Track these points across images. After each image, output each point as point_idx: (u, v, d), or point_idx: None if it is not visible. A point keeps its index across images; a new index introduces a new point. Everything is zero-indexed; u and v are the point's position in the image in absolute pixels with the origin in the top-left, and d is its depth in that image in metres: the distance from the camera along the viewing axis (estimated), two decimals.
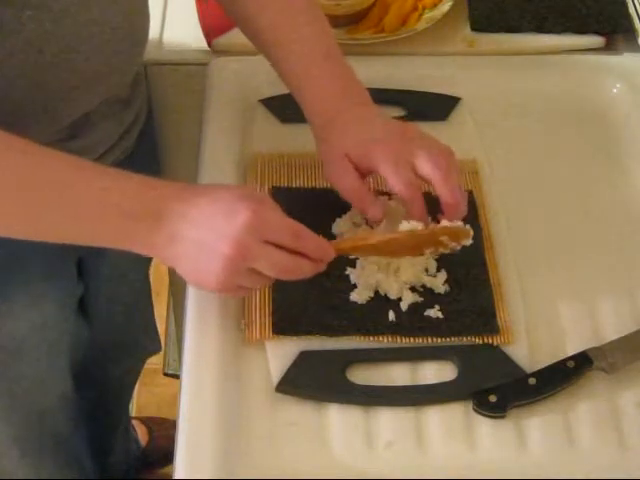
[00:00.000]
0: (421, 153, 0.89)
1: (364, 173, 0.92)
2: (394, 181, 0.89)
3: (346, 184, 0.92)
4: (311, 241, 0.83)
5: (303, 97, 0.96)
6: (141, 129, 1.06)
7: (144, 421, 1.70)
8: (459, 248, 0.89)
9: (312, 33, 0.96)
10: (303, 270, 0.83)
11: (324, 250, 0.84)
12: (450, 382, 0.87)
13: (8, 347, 1.04)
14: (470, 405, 0.85)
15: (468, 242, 0.89)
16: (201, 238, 0.80)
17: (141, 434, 1.67)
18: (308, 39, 0.96)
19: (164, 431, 1.66)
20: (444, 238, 0.87)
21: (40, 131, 0.87)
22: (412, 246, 0.88)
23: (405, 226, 0.88)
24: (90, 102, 0.93)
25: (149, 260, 1.26)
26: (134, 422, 1.68)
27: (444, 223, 0.88)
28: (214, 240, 0.79)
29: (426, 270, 0.92)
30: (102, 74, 0.91)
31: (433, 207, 0.91)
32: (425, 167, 0.89)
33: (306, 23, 0.97)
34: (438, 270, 0.93)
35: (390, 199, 0.98)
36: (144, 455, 1.65)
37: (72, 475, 1.27)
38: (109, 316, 1.20)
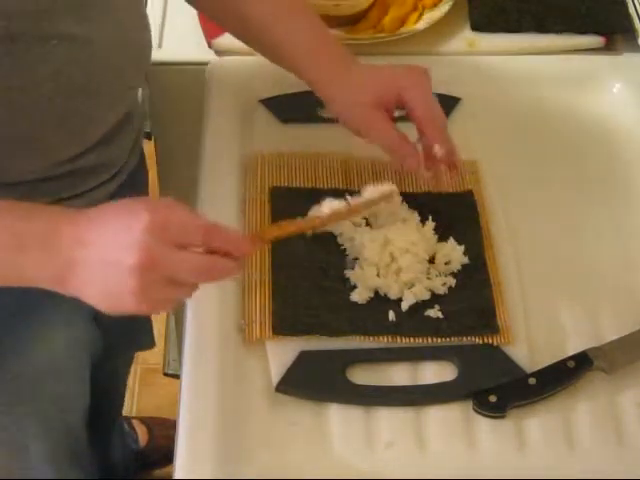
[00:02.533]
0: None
1: (390, 109, 0.94)
2: (421, 101, 0.92)
3: (383, 131, 0.93)
4: (225, 236, 0.76)
5: (307, 66, 0.97)
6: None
7: (144, 421, 1.70)
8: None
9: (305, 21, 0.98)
10: (224, 269, 0.76)
11: (241, 243, 0.77)
12: (450, 382, 0.87)
13: (45, 368, 1.04)
14: (470, 405, 0.85)
15: (397, 199, 0.93)
16: (103, 257, 0.72)
17: (141, 434, 1.67)
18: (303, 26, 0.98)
19: (164, 431, 1.66)
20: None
21: (64, 153, 0.88)
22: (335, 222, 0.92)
23: (326, 206, 0.89)
24: (107, 122, 0.92)
25: None
26: (134, 422, 1.68)
27: (366, 195, 0.91)
28: (117, 255, 0.71)
29: (427, 272, 0.93)
30: (120, 96, 0.92)
31: None
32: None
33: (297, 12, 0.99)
34: (445, 275, 0.93)
35: (390, 202, 0.99)
36: (144, 455, 1.65)
37: (74, 474, 1.27)
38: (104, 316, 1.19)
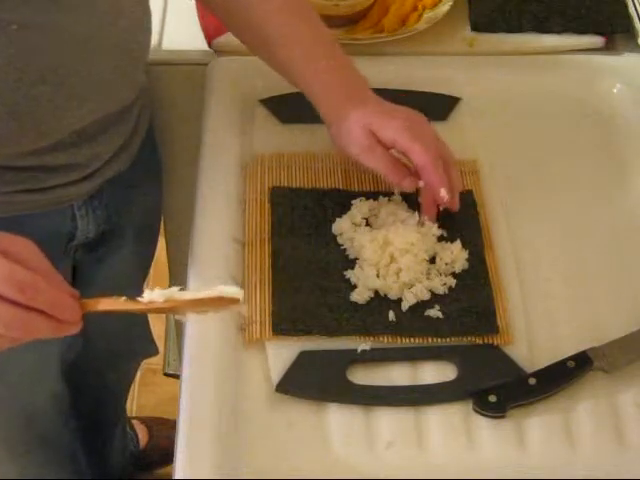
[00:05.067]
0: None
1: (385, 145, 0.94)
2: (417, 148, 0.91)
3: (377, 156, 0.93)
4: (48, 296, 0.71)
5: (314, 89, 0.96)
6: (143, 139, 1.06)
7: (144, 421, 1.70)
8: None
9: (311, 31, 0.98)
10: (38, 329, 0.72)
11: (64, 307, 0.73)
12: (450, 382, 0.87)
13: None
14: (470, 405, 0.85)
15: (241, 309, 0.79)
16: None
17: (141, 434, 1.67)
18: (309, 37, 0.97)
19: (164, 431, 1.66)
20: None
21: (25, 144, 0.87)
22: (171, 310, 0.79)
23: (155, 295, 0.76)
24: (81, 119, 0.91)
25: (145, 270, 1.25)
26: (134, 422, 1.68)
27: (202, 292, 0.77)
28: None
29: (428, 272, 0.93)
30: (94, 91, 0.90)
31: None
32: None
33: (303, 21, 0.98)
34: (445, 275, 0.93)
35: (389, 200, 0.99)
36: (144, 455, 1.65)
37: (66, 475, 1.27)
38: (104, 325, 1.19)
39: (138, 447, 1.65)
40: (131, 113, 1.00)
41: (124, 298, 0.76)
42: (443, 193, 0.92)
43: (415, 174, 0.93)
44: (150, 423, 1.70)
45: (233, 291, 0.76)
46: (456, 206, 0.95)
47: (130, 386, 1.49)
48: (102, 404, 1.37)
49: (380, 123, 0.93)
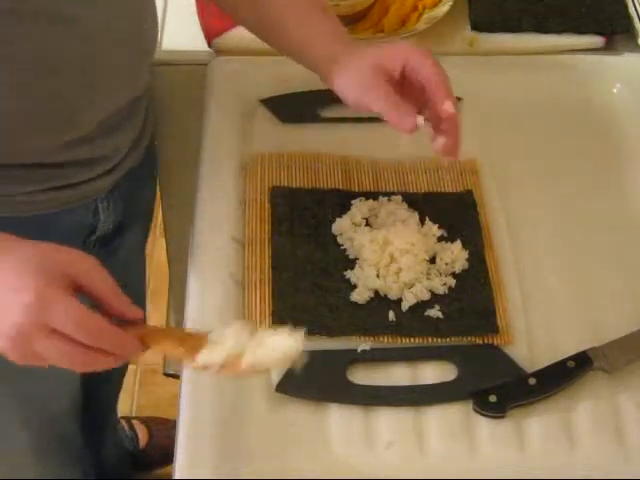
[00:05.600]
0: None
1: (394, 76, 0.91)
2: (429, 61, 0.90)
3: (381, 94, 0.90)
4: (112, 339, 0.72)
5: (310, 44, 0.96)
6: (152, 132, 1.06)
7: (144, 421, 1.70)
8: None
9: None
10: (98, 364, 0.73)
11: (126, 347, 0.74)
12: (450, 382, 0.87)
13: None
14: (470, 405, 0.85)
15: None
16: None
17: (141, 434, 1.67)
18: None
19: (164, 431, 1.66)
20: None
21: (55, 138, 0.88)
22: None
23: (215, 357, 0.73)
24: (105, 109, 0.92)
25: (142, 269, 1.25)
26: (134, 422, 1.68)
27: (264, 353, 0.74)
28: (1, 312, 0.71)
29: (428, 272, 0.93)
30: (115, 81, 0.91)
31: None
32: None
33: None
34: (445, 275, 0.93)
35: (389, 200, 0.99)
36: (144, 455, 1.65)
37: (78, 475, 1.27)
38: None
39: (138, 447, 1.65)
40: (142, 104, 1.01)
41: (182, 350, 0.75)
42: (447, 105, 0.89)
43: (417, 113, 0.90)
44: (150, 423, 1.70)
45: (292, 345, 0.74)
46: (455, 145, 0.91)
47: (121, 382, 1.48)
48: (91, 399, 1.37)
49: (388, 52, 0.92)
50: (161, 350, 0.75)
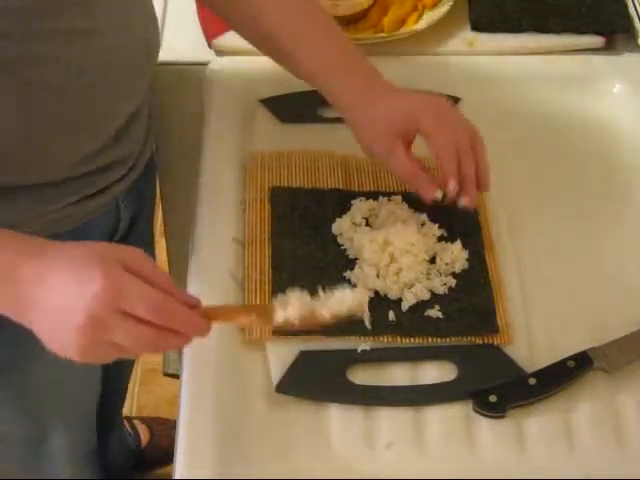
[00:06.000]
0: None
1: (409, 139, 0.93)
2: (441, 141, 0.91)
3: (399, 160, 0.92)
4: (181, 317, 0.73)
5: (331, 86, 0.96)
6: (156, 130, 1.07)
7: (145, 421, 1.70)
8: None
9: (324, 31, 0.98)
10: (170, 345, 0.75)
11: (196, 325, 0.75)
12: (450, 382, 0.87)
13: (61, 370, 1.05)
14: (470, 405, 0.85)
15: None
16: (55, 306, 0.72)
17: (142, 434, 1.67)
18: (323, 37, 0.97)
19: (165, 431, 1.66)
20: None
21: (83, 149, 0.89)
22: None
23: (293, 305, 0.76)
24: (124, 114, 0.93)
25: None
26: (135, 422, 1.68)
27: (335, 302, 0.77)
28: (67, 311, 0.71)
29: (428, 272, 0.93)
30: (131, 84, 0.92)
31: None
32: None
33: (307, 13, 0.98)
34: (445, 275, 0.93)
35: (389, 200, 0.99)
36: (145, 454, 1.65)
37: (94, 475, 1.28)
38: None
39: (140, 446, 1.65)
40: (145, 105, 1.02)
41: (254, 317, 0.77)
42: (451, 185, 0.91)
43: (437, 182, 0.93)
44: (151, 423, 1.70)
45: (359, 297, 0.77)
46: (471, 201, 0.93)
47: (128, 381, 1.49)
48: (113, 401, 1.37)
49: (400, 115, 0.93)
50: (234, 321, 0.79)
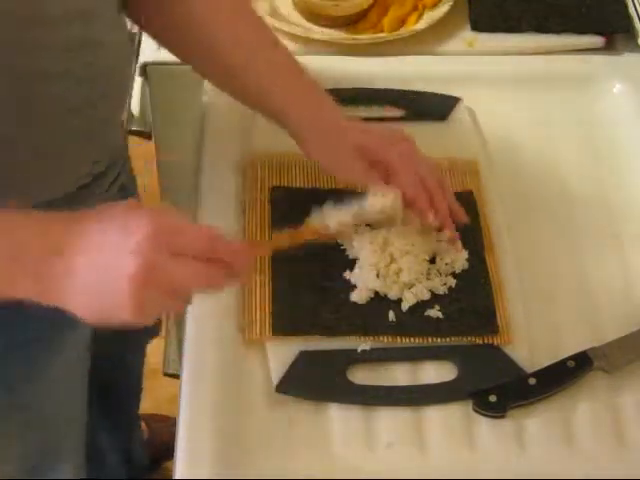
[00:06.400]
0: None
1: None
2: (405, 178, 0.90)
3: (357, 168, 0.92)
4: (227, 246, 0.73)
5: (291, 114, 0.95)
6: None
7: (144, 418, 1.71)
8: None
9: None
10: (224, 278, 0.74)
11: (242, 254, 0.75)
12: (450, 382, 0.87)
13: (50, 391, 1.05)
14: (470, 405, 0.85)
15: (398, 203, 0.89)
16: (99, 263, 0.69)
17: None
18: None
19: (164, 428, 1.67)
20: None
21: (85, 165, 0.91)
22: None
23: (329, 216, 0.89)
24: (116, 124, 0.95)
25: None
26: None
27: (369, 205, 0.89)
28: (115, 261, 0.68)
29: (428, 272, 0.93)
30: (116, 98, 0.93)
31: None
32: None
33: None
34: (445, 275, 0.93)
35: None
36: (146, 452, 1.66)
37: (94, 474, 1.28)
38: None
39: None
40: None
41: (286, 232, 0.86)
42: (430, 219, 0.91)
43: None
44: (149, 420, 1.70)
45: (391, 199, 0.88)
46: (453, 236, 0.93)
47: (141, 376, 1.47)
48: (115, 394, 1.37)
49: (373, 146, 0.92)
50: (277, 245, 0.88)
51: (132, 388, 1.46)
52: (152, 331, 1.39)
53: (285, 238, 0.86)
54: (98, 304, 0.70)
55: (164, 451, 1.59)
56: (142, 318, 0.70)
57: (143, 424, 1.68)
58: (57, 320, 0.85)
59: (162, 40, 0.99)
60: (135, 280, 0.68)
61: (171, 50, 0.98)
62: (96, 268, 0.69)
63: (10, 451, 1.09)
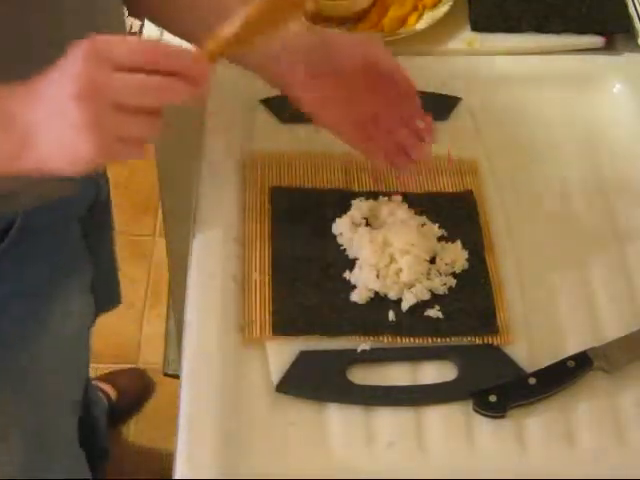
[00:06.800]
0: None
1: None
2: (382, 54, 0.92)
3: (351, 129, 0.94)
4: (171, 53, 0.70)
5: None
6: None
7: (107, 379, 1.73)
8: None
9: None
10: (173, 88, 0.70)
11: (189, 61, 0.71)
12: (450, 382, 0.87)
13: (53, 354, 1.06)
14: (470, 405, 0.85)
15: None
16: (51, 106, 0.68)
17: (109, 392, 1.70)
18: None
19: (128, 380, 1.70)
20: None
21: None
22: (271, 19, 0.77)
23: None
24: None
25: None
26: (99, 384, 1.69)
27: None
28: (57, 91, 0.68)
29: (428, 272, 0.93)
30: None
31: None
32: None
33: None
34: (445, 275, 0.93)
35: (389, 200, 0.99)
36: (117, 407, 1.68)
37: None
38: None
39: (111, 402, 1.68)
40: None
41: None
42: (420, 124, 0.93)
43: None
44: (113, 379, 1.73)
45: None
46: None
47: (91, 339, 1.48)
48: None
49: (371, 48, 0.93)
50: (218, 43, 0.74)
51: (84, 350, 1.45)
52: (110, 300, 1.38)
53: (222, 38, 0.75)
54: (61, 147, 0.69)
55: (135, 402, 1.62)
56: (103, 148, 0.69)
57: (109, 386, 1.69)
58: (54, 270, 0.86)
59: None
60: (79, 97, 0.67)
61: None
62: (48, 114, 0.69)
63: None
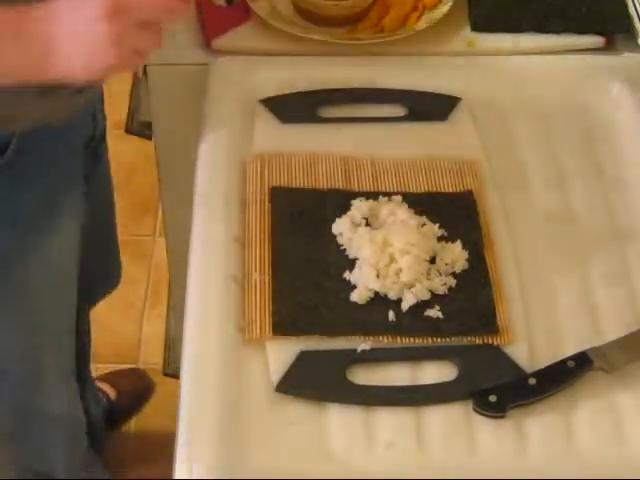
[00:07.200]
0: None
1: None
2: None
3: None
4: None
5: None
6: None
7: (107, 379, 1.72)
8: None
9: None
10: (179, 6, 0.83)
11: None
12: (450, 382, 0.87)
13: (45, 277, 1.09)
14: (470, 405, 0.85)
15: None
16: (75, 20, 0.79)
17: (109, 391, 1.70)
18: None
19: (126, 379, 1.70)
20: None
21: None
22: None
23: None
24: None
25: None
26: (98, 384, 1.69)
27: None
28: (83, 11, 0.79)
29: (428, 272, 0.93)
30: None
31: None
32: None
33: None
34: (445, 275, 0.93)
35: (389, 200, 0.99)
36: (117, 407, 1.68)
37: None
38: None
39: (110, 402, 1.68)
40: None
41: None
42: None
43: None
44: (113, 379, 1.73)
45: None
46: None
47: (90, 328, 1.48)
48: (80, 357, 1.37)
49: None
50: None
51: (83, 340, 1.45)
52: (110, 282, 1.38)
53: None
54: (86, 57, 0.80)
55: (135, 402, 1.61)
56: (124, 57, 0.81)
57: (108, 385, 1.69)
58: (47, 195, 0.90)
59: None
60: (106, 17, 0.78)
61: None
62: (72, 28, 0.79)
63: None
